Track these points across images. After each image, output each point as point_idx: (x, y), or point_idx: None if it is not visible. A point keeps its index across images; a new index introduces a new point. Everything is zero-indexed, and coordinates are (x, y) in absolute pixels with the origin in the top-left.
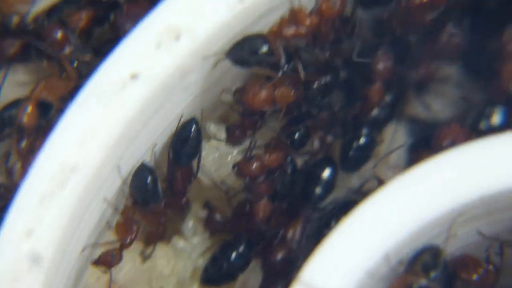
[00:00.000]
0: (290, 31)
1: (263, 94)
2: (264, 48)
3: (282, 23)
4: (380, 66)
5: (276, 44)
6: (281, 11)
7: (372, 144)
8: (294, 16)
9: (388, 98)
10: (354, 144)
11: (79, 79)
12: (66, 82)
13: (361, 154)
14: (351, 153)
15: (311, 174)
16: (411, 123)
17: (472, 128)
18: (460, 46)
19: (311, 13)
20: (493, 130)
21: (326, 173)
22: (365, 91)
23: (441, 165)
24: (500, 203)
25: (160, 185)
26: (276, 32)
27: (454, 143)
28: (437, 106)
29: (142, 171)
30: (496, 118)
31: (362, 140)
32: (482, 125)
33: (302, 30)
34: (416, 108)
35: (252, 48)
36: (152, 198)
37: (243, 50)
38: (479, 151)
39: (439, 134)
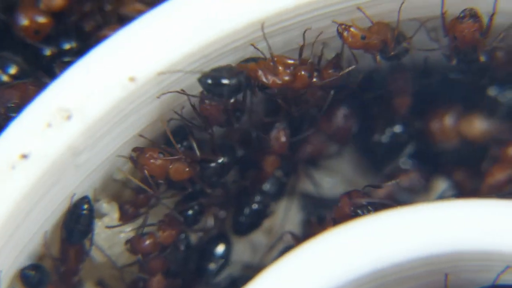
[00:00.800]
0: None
1: (159, 162)
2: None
3: None
4: (276, 140)
5: None
6: (176, 89)
7: (263, 211)
8: None
9: (279, 173)
10: (246, 210)
11: None
12: None
13: (252, 220)
14: (242, 218)
15: (205, 250)
16: (303, 199)
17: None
18: (351, 129)
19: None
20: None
21: (220, 249)
22: (260, 162)
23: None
24: (388, 277)
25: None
26: None
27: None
28: (328, 183)
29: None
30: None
31: (254, 207)
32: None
33: None
34: (307, 184)
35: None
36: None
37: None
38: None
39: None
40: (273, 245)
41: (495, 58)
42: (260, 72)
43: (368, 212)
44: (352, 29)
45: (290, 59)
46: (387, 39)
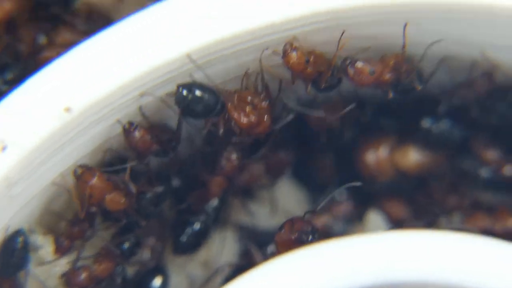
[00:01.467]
0: None
1: (102, 184)
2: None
3: None
4: (227, 160)
5: None
6: (112, 120)
7: (205, 232)
8: None
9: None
10: (188, 230)
11: None
12: None
13: (193, 240)
14: (183, 237)
15: (141, 283)
16: (238, 230)
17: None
18: (286, 163)
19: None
20: None
21: (157, 282)
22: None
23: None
24: None
25: None
26: None
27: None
28: (262, 213)
29: None
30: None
31: (196, 226)
32: None
33: None
34: (241, 215)
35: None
36: None
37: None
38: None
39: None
40: (210, 278)
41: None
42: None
43: (313, 238)
44: (295, 52)
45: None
46: (323, 70)
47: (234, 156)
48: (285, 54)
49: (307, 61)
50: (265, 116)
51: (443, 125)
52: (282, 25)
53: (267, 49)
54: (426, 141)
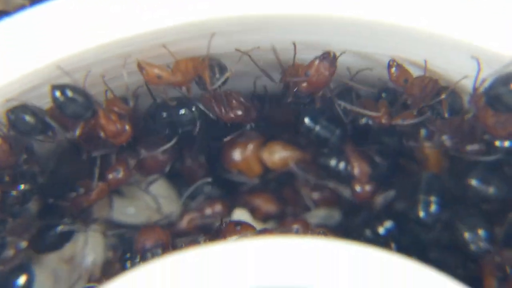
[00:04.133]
0: None
1: None
2: None
3: None
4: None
5: None
6: None
7: (69, 232)
8: None
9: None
10: (51, 232)
11: None
12: None
13: (57, 238)
14: (46, 235)
15: (5, 282)
16: (105, 226)
17: None
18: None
19: None
20: None
21: (21, 280)
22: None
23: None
24: None
25: None
26: None
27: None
28: (131, 211)
29: None
30: None
31: (58, 229)
32: None
33: None
34: (106, 210)
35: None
36: None
37: None
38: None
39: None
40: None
41: None
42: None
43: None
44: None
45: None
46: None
47: (120, 166)
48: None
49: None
50: (126, 126)
51: (323, 122)
52: (147, 35)
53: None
54: (307, 137)
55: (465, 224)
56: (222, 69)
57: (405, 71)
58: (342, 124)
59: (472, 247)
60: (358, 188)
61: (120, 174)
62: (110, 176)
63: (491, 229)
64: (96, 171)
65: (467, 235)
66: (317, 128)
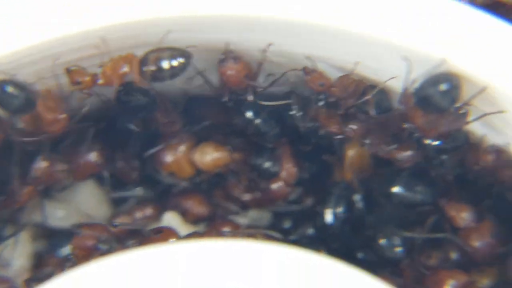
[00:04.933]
0: None
1: None
2: None
3: None
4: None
5: None
6: None
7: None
8: None
9: None
10: None
11: None
12: None
13: None
14: None
15: None
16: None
17: None
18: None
19: None
20: None
21: None
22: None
23: None
24: None
25: None
26: None
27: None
28: (61, 213)
29: None
30: None
31: None
32: None
33: None
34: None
35: None
36: None
37: None
38: None
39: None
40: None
41: None
42: None
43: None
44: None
45: None
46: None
47: (44, 164)
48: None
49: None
50: (62, 114)
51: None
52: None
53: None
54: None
55: (381, 232)
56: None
57: (320, 74)
58: (282, 121)
59: (388, 253)
60: (275, 185)
61: (45, 175)
62: (35, 177)
63: (407, 235)
64: (17, 172)
65: (382, 242)
66: (257, 121)
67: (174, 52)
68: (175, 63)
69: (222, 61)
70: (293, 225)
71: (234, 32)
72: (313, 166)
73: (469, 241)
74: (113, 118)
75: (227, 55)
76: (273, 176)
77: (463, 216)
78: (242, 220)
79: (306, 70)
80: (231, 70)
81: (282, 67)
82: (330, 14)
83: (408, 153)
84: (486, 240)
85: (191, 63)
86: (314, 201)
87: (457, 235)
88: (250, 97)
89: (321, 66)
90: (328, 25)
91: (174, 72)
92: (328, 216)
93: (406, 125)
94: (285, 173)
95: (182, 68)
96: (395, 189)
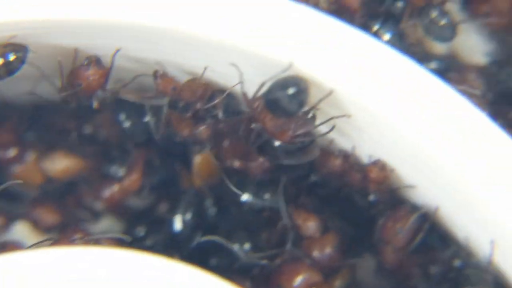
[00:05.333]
0: None
1: None
2: None
3: None
4: None
5: None
6: None
7: None
8: None
9: None
10: None
11: None
12: None
13: None
14: None
15: None
16: None
17: None
18: None
19: None
20: None
21: None
22: None
23: None
24: None
25: None
26: None
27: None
28: None
29: None
30: None
31: None
32: None
33: None
34: None
35: None
36: None
37: None
38: None
39: None
40: None
41: None
42: None
43: None
44: None
45: None
46: None
47: None
48: None
49: None
50: None
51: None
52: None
53: None
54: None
55: (232, 239)
56: None
57: (171, 79)
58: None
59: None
60: (115, 188)
61: None
62: None
63: (258, 239)
64: None
65: (235, 248)
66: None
67: (7, 47)
68: (11, 57)
69: (85, 66)
70: (147, 232)
71: (84, 37)
72: (163, 174)
73: (310, 251)
74: None
75: (91, 60)
76: (116, 181)
77: (309, 225)
78: (95, 227)
79: (156, 75)
80: (94, 75)
81: (133, 72)
82: (178, 20)
83: (257, 162)
84: (327, 252)
85: (27, 61)
86: (168, 208)
87: (302, 243)
88: (96, 104)
89: (171, 72)
90: (177, 30)
91: (10, 68)
92: (177, 223)
93: (253, 126)
94: (129, 177)
95: (18, 63)
96: (244, 198)
